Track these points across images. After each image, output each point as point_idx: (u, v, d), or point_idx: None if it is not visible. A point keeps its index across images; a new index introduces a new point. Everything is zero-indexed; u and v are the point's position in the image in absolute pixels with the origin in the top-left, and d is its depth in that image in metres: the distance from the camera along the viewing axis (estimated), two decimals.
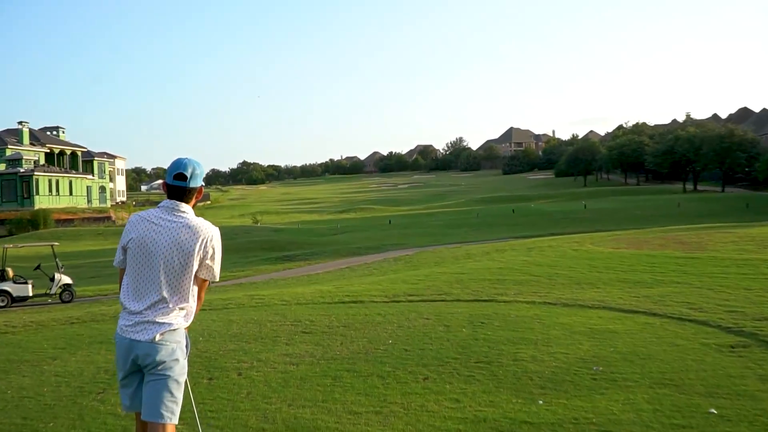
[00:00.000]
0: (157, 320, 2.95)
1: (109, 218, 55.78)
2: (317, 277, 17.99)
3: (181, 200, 3.13)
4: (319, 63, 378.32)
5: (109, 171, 78.61)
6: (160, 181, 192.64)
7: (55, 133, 71.71)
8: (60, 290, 18.39)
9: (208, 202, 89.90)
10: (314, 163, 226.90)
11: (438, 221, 48.67)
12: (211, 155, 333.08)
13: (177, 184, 3.09)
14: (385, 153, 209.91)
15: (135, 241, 3.08)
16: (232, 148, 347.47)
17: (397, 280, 12.69)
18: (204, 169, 3.21)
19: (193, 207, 3.22)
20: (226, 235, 35.96)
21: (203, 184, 3.21)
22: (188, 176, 3.10)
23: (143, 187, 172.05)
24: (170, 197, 3.13)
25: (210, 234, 3.07)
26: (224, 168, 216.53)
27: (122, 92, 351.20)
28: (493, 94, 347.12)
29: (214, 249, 3.09)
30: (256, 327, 7.81)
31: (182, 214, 3.08)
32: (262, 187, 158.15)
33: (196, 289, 3.10)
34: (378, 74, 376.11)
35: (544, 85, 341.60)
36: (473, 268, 13.80)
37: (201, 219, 3.12)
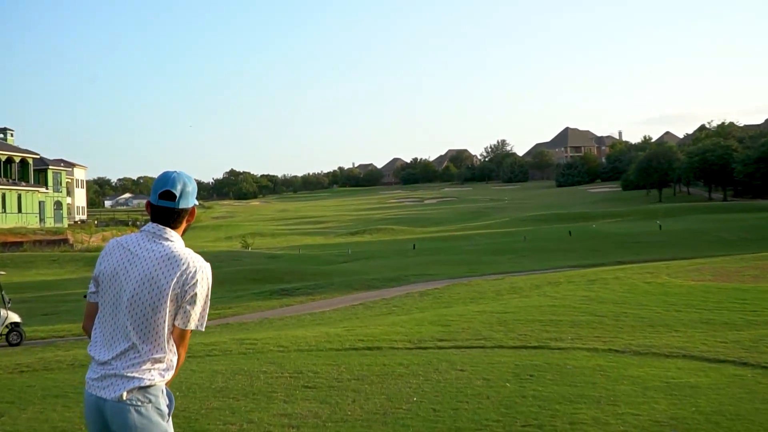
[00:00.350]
0: (126, 374, 2.91)
1: (65, 241, 55.69)
2: (323, 316, 18.20)
3: (168, 224, 3.10)
4: (322, 52, 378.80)
5: (67, 182, 79.32)
6: (127, 195, 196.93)
7: (2, 136, 72.48)
8: (6, 330, 18.37)
9: None
10: (319, 172, 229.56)
11: (475, 246, 48.41)
12: (191, 163, 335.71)
13: (163, 205, 3.06)
14: (407, 160, 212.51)
15: (105, 273, 3.05)
16: (217, 155, 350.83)
17: (423, 320, 12.83)
18: (196, 185, 3.15)
19: (183, 233, 3.19)
20: (209, 263, 37.99)
21: (196, 203, 3.17)
22: (177, 195, 3.05)
23: (107, 203, 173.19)
24: (154, 220, 3.10)
25: (193, 269, 2.99)
26: (207, 179, 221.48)
27: (81, 87, 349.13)
28: (543, 87, 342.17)
29: (196, 290, 3.00)
30: (246, 380, 7.88)
31: (166, 243, 3.04)
32: (254, 203, 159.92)
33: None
34: (396, 64, 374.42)
35: (607, 75, 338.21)
36: (519, 305, 13.89)
37: (189, 251, 3.06)
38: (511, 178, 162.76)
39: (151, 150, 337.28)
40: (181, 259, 2.99)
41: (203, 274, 3.02)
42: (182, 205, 3.06)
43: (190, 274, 2.97)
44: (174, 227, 3.11)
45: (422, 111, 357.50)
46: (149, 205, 3.11)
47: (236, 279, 32.53)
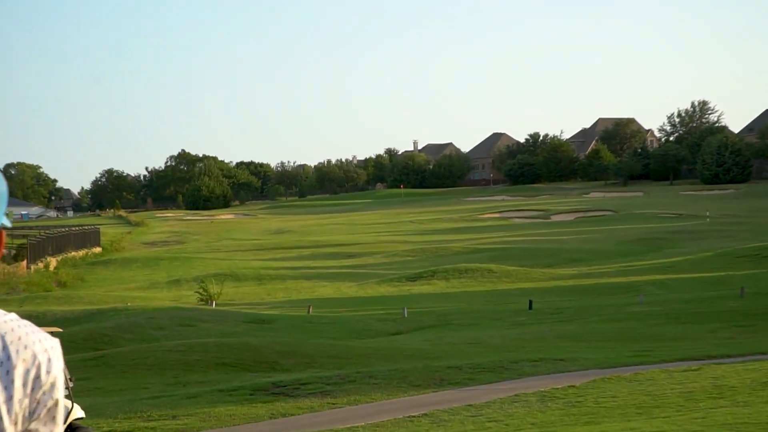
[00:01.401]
0: None
1: None
2: None
3: None
4: None
5: None
6: None
7: None
8: None
9: (82, 252, 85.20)
10: (347, 159, 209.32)
11: (648, 306, 43.83)
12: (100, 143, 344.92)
13: None
14: (519, 137, 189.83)
15: None
16: (151, 128, 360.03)
17: None
18: (6, 190, 2.71)
19: None
20: (128, 331, 35.64)
21: (6, 222, 2.68)
22: None
23: None
24: None
25: (39, 360, 2.62)
26: (130, 169, 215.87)
27: None
28: None
29: (52, 394, 2.62)
30: None
31: None
32: (224, 215, 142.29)
33: None
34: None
35: None
36: (732, 423, 13.83)
37: (17, 323, 2.61)
38: (720, 174, 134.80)
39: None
40: (12, 347, 2.62)
41: (55, 364, 2.66)
42: None
43: (40, 372, 2.62)
44: None
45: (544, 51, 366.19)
46: None
47: (188, 362, 30.13)
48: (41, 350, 2.57)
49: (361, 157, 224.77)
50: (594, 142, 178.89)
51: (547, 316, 44.21)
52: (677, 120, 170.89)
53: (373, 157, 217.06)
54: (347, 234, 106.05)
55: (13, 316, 2.59)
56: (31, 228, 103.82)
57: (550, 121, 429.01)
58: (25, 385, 2.54)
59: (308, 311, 48.80)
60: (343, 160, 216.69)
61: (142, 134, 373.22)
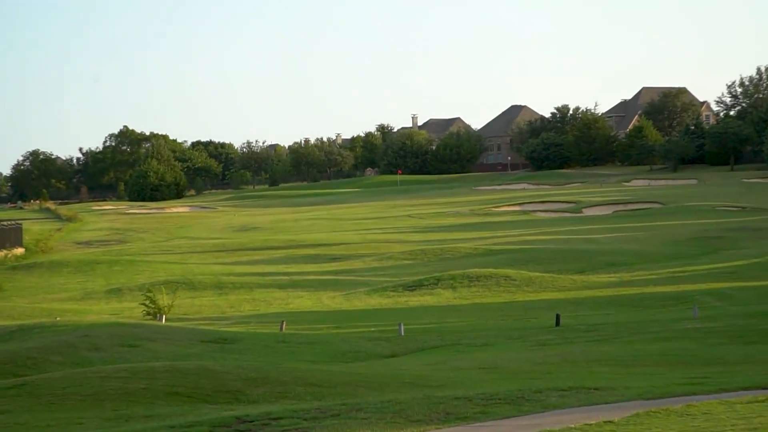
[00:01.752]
0: None
1: None
2: None
3: None
4: None
5: None
6: None
7: None
8: None
9: None
10: (329, 138, 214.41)
11: (703, 321, 43.97)
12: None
13: None
14: (542, 111, 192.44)
15: None
16: (97, 102, 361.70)
17: None
18: None
19: None
20: (57, 352, 36.38)
21: None
22: None
23: None
24: None
25: None
26: (60, 151, 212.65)
27: None
28: None
29: None
30: None
31: None
32: (176, 208, 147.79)
33: None
34: None
35: None
36: None
37: None
38: None
39: None
40: None
41: None
42: None
43: None
44: None
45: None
46: None
47: (132, 392, 29.05)
48: None
49: (346, 135, 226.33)
50: (636, 117, 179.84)
51: (578, 334, 44.15)
52: (739, 90, 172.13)
53: (362, 135, 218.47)
54: (330, 231, 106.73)
55: None
56: None
57: (581, 92, 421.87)
58: None
59: (281, 328, 48.65)
60: (325, 139, 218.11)
61: (75, 107, 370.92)
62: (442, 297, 62.08)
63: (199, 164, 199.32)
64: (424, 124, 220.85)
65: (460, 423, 21.73)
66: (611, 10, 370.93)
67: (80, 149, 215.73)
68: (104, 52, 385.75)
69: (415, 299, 61.52)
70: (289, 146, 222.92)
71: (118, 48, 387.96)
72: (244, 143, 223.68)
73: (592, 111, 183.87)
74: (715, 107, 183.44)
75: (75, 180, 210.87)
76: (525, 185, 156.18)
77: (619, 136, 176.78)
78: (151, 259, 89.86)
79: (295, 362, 38.24)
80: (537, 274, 67.58)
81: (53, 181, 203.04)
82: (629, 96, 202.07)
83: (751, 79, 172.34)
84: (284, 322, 49.79)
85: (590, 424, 19.48)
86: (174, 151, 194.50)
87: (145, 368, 32.68)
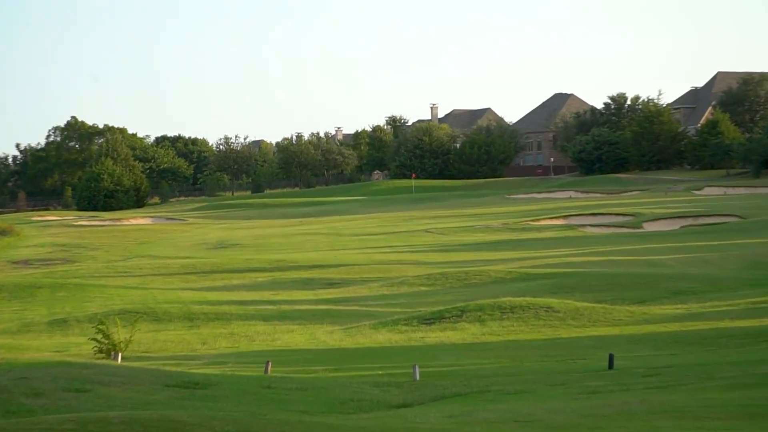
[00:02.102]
0: None
1: None
2: None
3: None
4: None
5: None
6: None
7: None
8: None
9: None
10: (328, 133, 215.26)
11: None
12: None
13: None
14: (592, 101, 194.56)
15: None
16: (39, 88, 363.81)
17: None
18: None
19: None
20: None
21: None
22: None
23: None
24: None
25: None
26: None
27: None
28: None
29: None
30: None
31: None
32: (135, 219, 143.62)
33: None
34: None
35: None
36: None
37: None
38: None
39: None
40: None
41: None
42: None
43: None
44: None
45: None
46: None
47: None
48: None
49: (349, 130, 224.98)
50: (710, 109, 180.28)
51: (636, 379, 40.48)
52: None
53: (368, 130, 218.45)
54: (327, 250, 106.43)
55: None
56: None
57: (641, 78, 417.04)
58: None
59: (266, 370, 45.80)
60: (322, 134, 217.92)
61: (12, 95, 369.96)
62: (467, 332, 59.29)
63: (165, 165, 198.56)
64: (446, 116, 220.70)
65: None
66: None
67: (17, 146, 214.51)
68: (48, 28, 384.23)
69: (434, 335, 59.07)
70: (277, 143, 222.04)
71: (65, 23, 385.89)
72: (220, 139, 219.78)
73: (655, 101, 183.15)
74: None
75: (10, 184, 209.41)
76: (571, 193, 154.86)
77: (688, 133, 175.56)
78: (104, 282, 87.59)
79: (283, 413, 34.89)
80: (585, 304, 64.87)
81: None
82: (701, 83, 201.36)
83: None
84: (270, 363, 48.53)
85: None
86: (134, 149, 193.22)
87: (96, 419, 28.15)
